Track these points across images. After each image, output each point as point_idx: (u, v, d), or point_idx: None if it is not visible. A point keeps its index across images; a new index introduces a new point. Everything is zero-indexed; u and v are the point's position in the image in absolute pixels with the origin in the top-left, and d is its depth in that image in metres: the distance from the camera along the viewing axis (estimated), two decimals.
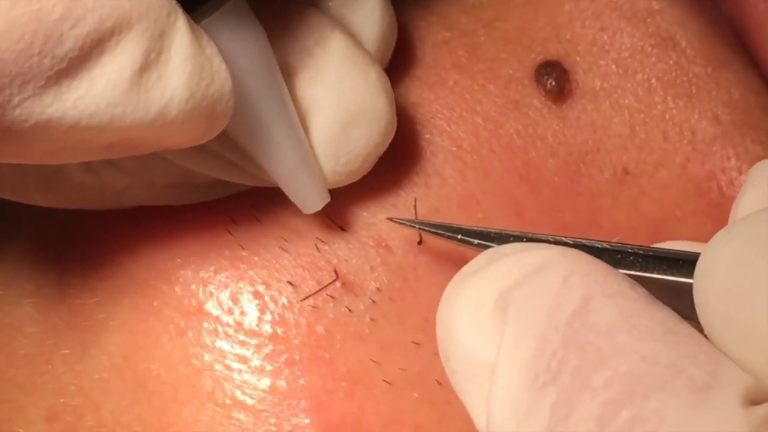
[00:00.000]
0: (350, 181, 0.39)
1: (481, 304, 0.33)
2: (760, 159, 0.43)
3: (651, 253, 0.35)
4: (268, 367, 0.39)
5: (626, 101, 0.43)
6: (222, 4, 0.35)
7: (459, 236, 0.38)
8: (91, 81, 0.31)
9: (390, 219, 0.40)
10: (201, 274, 0.40)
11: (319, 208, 0.38)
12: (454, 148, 0.41)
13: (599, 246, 0.36)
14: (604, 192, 0.42)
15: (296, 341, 0.39)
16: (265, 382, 0.39)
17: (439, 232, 0.38)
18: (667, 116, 0.43)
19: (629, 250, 0.35)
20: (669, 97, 0.43)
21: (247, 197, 0.40)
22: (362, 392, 0.39)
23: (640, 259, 0.35)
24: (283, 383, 0.39)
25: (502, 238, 0.37)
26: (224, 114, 0.34)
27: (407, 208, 0.40)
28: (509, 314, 0.32)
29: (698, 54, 0.44)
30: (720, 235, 0.31)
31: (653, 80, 0.43)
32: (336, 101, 0.38)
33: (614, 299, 0.31)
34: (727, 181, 0.43)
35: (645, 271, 0.35)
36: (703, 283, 0.30)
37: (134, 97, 0.31)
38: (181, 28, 0.32)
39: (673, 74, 0.43)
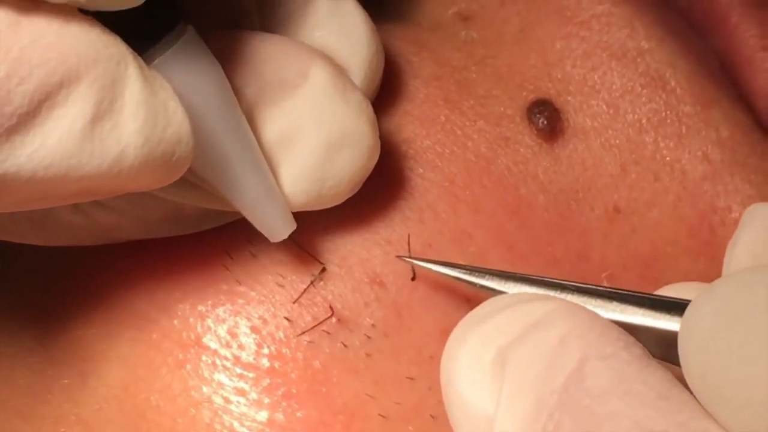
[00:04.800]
0: (334, 204, 0.40)
1: (480, 359, 0.34)
2: (748, 197, 0.44)
3: (647, 300, 0.36)
4: (266, 400, 0.39)
5: (617, 141, 0.44)
6: (175, 41, 0.35)
7: (456, 275, 0.39)
8: (43, 135, 0.31)
9: (399, 257, 0.41)
10: (199, 308, 0.40)
11: (285, 237, 0.38)
12: (447, 184, 0.42)
13: (593, 289, 0.37)
14: (595, 228, 0.43)
15: (293, 375, 0.40)
16: (263, 415, 0.39)
17: (439, 270, 0.39)
18: (658, 156, 0.44)
19: (622, 295, 0.36)
20: (659, 138, 0.44)
21: (243, 232, 0.41)
22: (358, 426, 0.39)
23: (631, 305, 0.36)
24: (280, 416, 0.39)
25: (502, 277, 0.38)
26: (185, 155, 0.34)
27: (401, 243, 0.41)
28: (507, 372, 0.33)
29: (687, 93, 0.45)
30: (701, 297, 0.31)
31: (643, 120, 0.44)
32: (317, 127, 0.38)
33: (608, 362, 0.31)
34: (718, 220, 0.43)
35: (635, 318, 0.36)
36: (684, 343, 0.31)
37: (88, 147, 0.32)
38: (132, 75, 0.32)
39: (663, 114, 0.44)
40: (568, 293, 0.37)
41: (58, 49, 0.31)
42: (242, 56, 0.38)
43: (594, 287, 0.37)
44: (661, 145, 0.44)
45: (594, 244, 0.43)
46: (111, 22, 0.33)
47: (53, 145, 0.31)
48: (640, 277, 0.42)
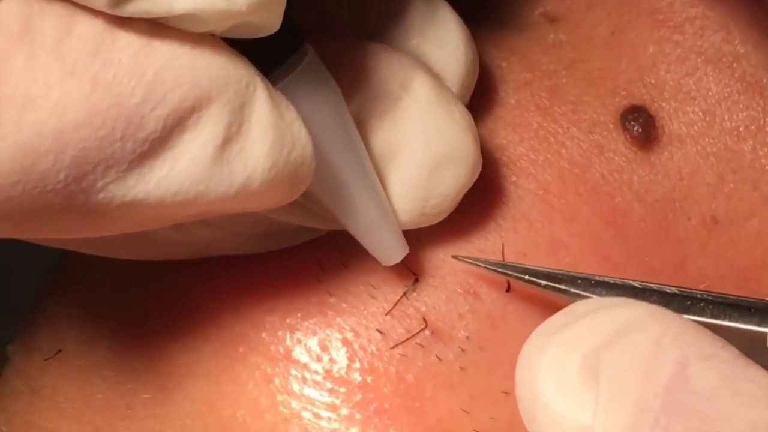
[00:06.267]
0: (436, 221, 0.39)
1: (566, 366, 0.33)
2: None
3: (721, 300, 0.35)
4: (358, 416, 0.38)
5: (714, 149, 0.43)
6: (297, 65, 0.35)
7: (526, 277, 0.38)
8: (173, 160, 0.30)
9: (455, 257, 0.40)
10: (288, 321, 0.39)
11: (398, 260, 0.38)
12: (541, 192, 0.41)
13: (668, 291, 0.36)
14: (692, 239, 0.42)
15: (386, 390, 0.38)
16: (354, 431, 0.38)
17: (504, 272, 0.38)
18: (757, 165, 0.43)
19: (698, 296, 0.36)
20: (758, 146, 0.43)
21: (335, 243, 0.40)
22: None
23: (710, 306, 0.35)
24: None
25: (569, 280, 0.37)
26: (306, 177, 0.33)
27: (495, 253, 0.40)
28: (602, 378, 0.32)
29: None
30: None
31: (741, 128, 0.43)
32: (422, 144, 0.37)
33: (711, 362, 0.31)
34: None
35: (715, 318, 0.35)
36: None
37: (217, 172, 0.31)
38: (260, 97, 0.32)
39: (761, 121, 0.43)
40: (638, 293, 0.37)
41: (190, 72, 0.30)
42: (345, 66, 0.37)
43: (662, 287, 0.36)
44: (760, 153, 0.43)
45: (691, 255, 0.42)
46: (235, 44, 0.32)
47: (183, 170, 0.31)
48: (739, 289, 0.41)
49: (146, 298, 0.41)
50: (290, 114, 0.33)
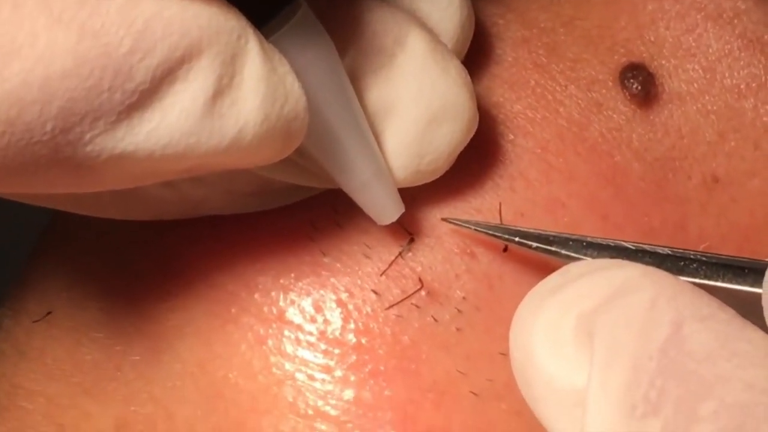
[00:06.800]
0: (432, 179, 0.38)
1: (560, 328, 0.32)
2: None
3: (715, 261, 0.35)
4: (352, 378, 0.38)
5: (714, 107, 0.42)
6: (290, 18, 0.34)
7: (516, 239, 0.38)
8: (163, 112, 0.30)
9: (444, 219, 0.39)
10: (281, 281, 0.39)
11: (394, 219, 0.38)
12: (539, 150, 0.40)
13: (661, 252, 0.36)
14: (692, 198, 0.41)
15: (381, 351, 0.38)
16: (349, 393, 0.38)
17: (496, 234, 0.38)
18: (758, 123, 0.42)
19: (692, 257, 0.35)
20: (759, 103, 0.42)
21: (329, 202, 0.39)
22: (449, 404, 0.38)
23: (703, 267, 0.35)
24: (367, 394, 0.38)
25: (561, 242, 0.37)
26: (299, 132, 0.33)
27: (492, 212, 0.39)
28: (596, 340, 0.31)
29: None
30: None
31: (742, 85, 0.42)
32: (417, 100, 0.37)
33: (707, 323, 0.30)
34: None
35: (709, 279, 0.35)
36: None
37: (208, 125, 0.30)
38: (252, 49, 0.31)
39: (763, 79, 0.42)
40: (631, 254, 0.36)
41: (180, 22, 0.29)
42: (338, 21, 0.37)
43: (655, 247, 0.36)
44: (761, 111, 0.42)
45: (691, 215, 0.41)
46: None
47: (173, 122, 0.30)
48: (739, 249, 0.41)
49: (137, 259, 0.41)
50: (283, 67, 0.32)
